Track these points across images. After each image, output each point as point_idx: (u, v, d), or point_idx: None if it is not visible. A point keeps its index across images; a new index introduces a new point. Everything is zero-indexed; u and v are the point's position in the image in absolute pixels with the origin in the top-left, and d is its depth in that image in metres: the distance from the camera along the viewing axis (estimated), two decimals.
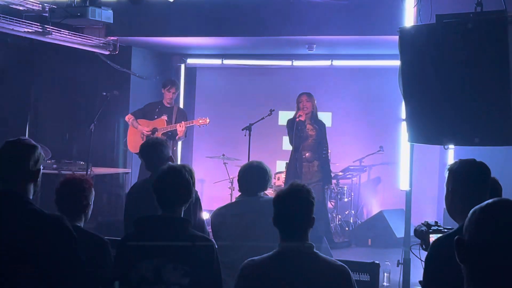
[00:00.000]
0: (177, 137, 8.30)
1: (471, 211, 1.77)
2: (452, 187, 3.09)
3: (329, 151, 8.35)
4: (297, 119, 7.97)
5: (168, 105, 8.52)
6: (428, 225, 4.24)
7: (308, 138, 8.04)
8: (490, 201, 1.75)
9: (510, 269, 1.66)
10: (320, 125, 8.16)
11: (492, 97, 4.06)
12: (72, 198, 3.62)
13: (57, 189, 3.66)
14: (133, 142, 8.52)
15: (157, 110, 8.50)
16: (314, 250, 3.00)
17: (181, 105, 10.54)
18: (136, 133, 8.47)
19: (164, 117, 8.39)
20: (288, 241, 3.00)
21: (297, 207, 3.01)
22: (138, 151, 8.34)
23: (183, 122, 8.29)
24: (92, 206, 3.73)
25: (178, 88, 8.57)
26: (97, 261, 3.36)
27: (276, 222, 3.04)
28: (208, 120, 8.51)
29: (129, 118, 8.53)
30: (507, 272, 1.66)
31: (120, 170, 9.38)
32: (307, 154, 8.02)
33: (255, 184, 4.48)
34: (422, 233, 3.83)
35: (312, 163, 8.07)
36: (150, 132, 8.30)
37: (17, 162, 2.85)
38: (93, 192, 3.74)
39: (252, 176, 4.47)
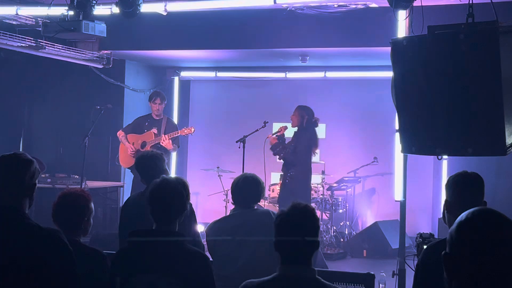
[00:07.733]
0: (169, 149, 8.27)
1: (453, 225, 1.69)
2: (446, 198, 3.11)
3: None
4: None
5: (157, 118, 8.47)
6: (422, 237, 4.25)
7: (286, 149, 7.98)
8: (469, 212, 1.66)
9: (498, 280, 1.59)
10: (300, 136, 7.96)
11: (485, 107, 4.07)
12: (70, 213, 3.53)
13: (55, 204, 3.61)
14: (125, 158, 8.51)
15: (146, 124, 8.46)
16: (316, 276, 2.77)
17: (175, 118, 10.54)
18: (127, 149, 8.46)
19: (154, 130, 8.36)
20: (289, 264, 2.77)
21: (303, 232, 2.74)
22: (129, 166, 8.42)
23: (163, 135, 8.23)
24: (91, 222, 3.65)
25: (163, 99, 8.47)
26: (94, 275, 3.33)
27: (279, 247, 2.80)
28: (193, 129, 8.45)
29: (119, 134, 8.51)
30: (495, 284, 1.59)
31: (115, 184, 9.36)
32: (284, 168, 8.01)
33: (250, 195, 4.50)
34: (417, 245, 3.84)
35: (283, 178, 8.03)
36: (139, 147, 8.30)
37: (13, 177, 2.84)
38: (92, 207, 3.64)
39: (246, 188, 4.49)
